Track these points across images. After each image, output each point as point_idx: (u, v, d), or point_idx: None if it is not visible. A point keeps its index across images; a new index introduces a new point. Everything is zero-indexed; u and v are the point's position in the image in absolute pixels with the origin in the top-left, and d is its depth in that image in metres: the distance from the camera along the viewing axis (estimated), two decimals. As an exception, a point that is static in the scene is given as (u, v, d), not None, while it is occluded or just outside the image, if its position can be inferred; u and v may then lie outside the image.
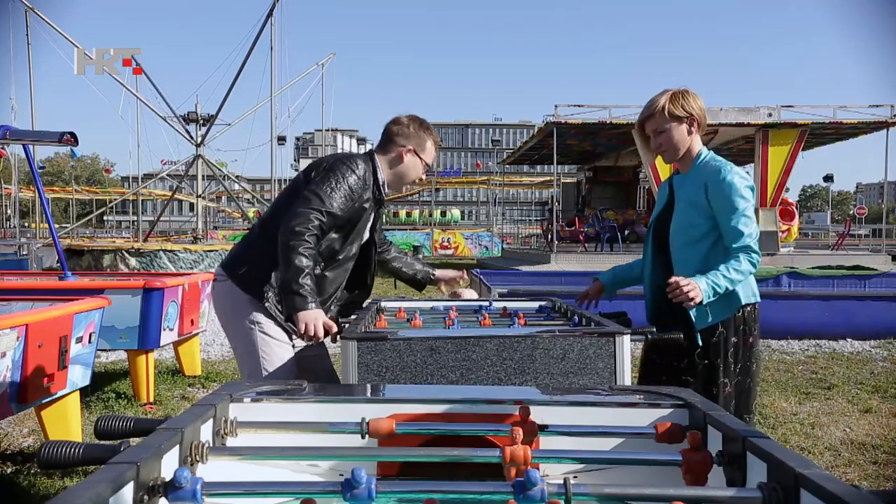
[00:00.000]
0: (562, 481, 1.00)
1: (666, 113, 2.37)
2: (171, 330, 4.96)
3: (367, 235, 2.58)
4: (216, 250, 15.01)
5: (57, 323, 3.26)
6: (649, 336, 2.23)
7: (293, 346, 2.49)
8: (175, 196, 25.56)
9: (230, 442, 1.32)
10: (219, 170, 24.25)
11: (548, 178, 37.23)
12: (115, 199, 36.65)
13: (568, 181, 25.84)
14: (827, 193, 59.73)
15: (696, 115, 2.38)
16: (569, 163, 26.30)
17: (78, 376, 3.51)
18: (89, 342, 3.59)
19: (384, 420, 1.32)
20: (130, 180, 35.60)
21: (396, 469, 1.39)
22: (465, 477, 1.19)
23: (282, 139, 29.02)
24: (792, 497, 0.95)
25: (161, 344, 4.82)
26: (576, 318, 2.54)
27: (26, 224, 36.98)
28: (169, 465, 1.06)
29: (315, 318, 2.21)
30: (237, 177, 29.38)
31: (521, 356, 1.96)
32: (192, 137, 21.08)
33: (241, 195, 31.84)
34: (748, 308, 2.36)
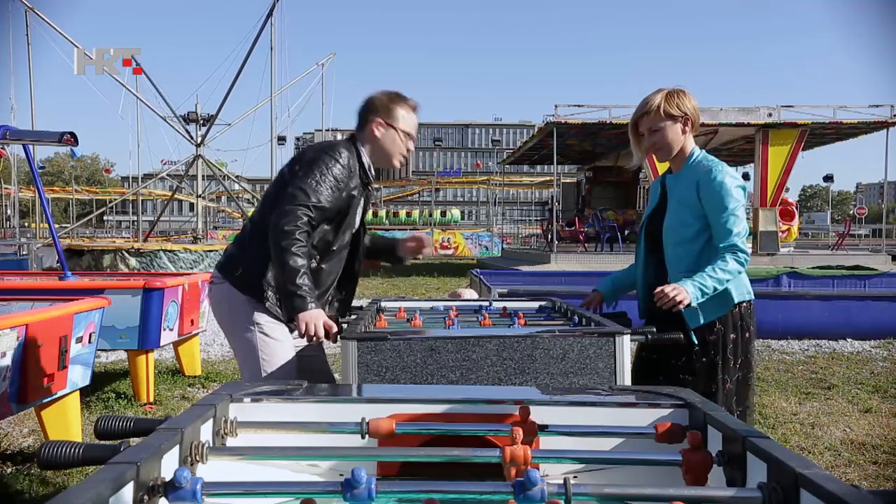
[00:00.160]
0: (562, 481, 1.00)
1: (661, 111, 2.38)
2: (171, 330, 4.96)
3: (357, 223, 2.55)
4: (216, 250, 15.03)
5: (57, 323, 3.26)
6: (649, 336, 2.23)
7: (294, 345, 2.48)
8: (175, 196, 25.57)
9: (230, 442, 1.32)
10: (219, 170, 24.27)
11: (548, 178, 37.23)
12: (115, 199, 36.67)
13: (568, 181, 25.82)
14: (827, 193, 59.74)
15: (691, 115, 2.40)
16: (569, 163, 26.28)
17: (78, 376, 3.51)
18: (89, 342, 3.59)
19: (384, 420, 1.32)
20: (130, 180, 35.62)
21: (396, 469, 1.39)
22: (465, 477, 1.19)
23: (282, 139, 29.05)
24: (792, 497, 0.95)
25: (161, 344, 4.82)
26: (576, 318, 2.54)
27: (26, 224, 36.99)
28: (169, 465, 1.06)
29: (315, 318, 2.20)
30: (237, 177, 29.41)
31: (521, 356, 1.96)
32: (192, 137, 21.09)
33: (241, 195, 31.83)
34: (743, 305, 2.38)
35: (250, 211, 25.98)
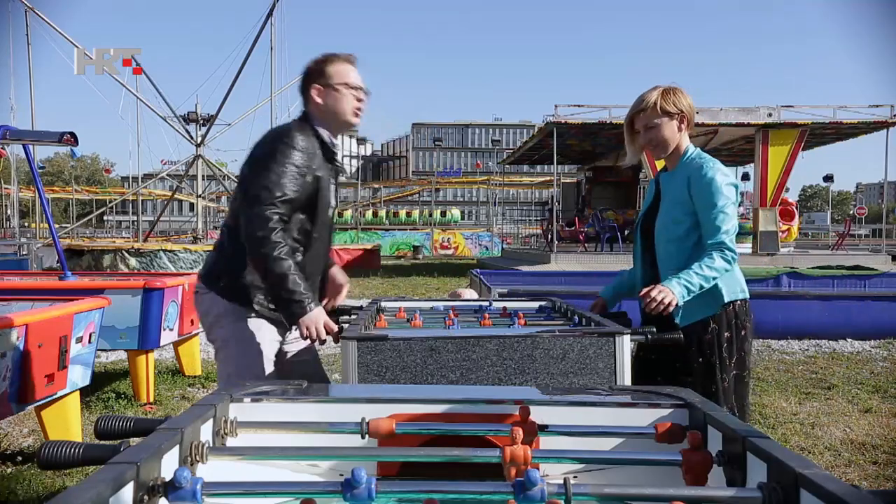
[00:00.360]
0: (562, 481, 1.00)
1: (658, 108, 2.38)
2: (171, 330, 4.96)
3: (333, 200, 2.45)
4: (216, 250, 14.98)
5: (57, 323, 3.26)
6: (649, 336, 2.23)
7: (279, 351, 2.42)
8: (175, 196, 25.58)
9: (230, 442, 1.32)
10: (219, 170, 24.28)
11: (548, 178, 37.24)
12: (115, 199, 36.68)
13: (568, 181, 25.82)
14: (827, 193, 59.73)
15: (686, 112, 2.41)
16: (569, 163, 26.27)
17: (78, 376, 3.52)
18: (89, 342, 3.59)
19: (384, 420, 1.32)
20: (130, 180, 35.63)
21: (396, 469, 1.39)
22: (465, 477, 1.19)
23: (282, 139, 28.95)
24: (792, 497, 0.95)
25: (161, 344, 4.83)
26: (576, 318, 2.54)
27: (26, 224, 36.99)
28: (169, 465, 1.06)
29: (316, 320, 2.18)
30: (237, 177, 29.40)
31: (521, 356, 1.96)
32: (192, 137, 21.10)
33: (241, 195, 31.74)
34: (737, 303, 2.37)
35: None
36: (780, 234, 16.46)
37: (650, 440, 1.33)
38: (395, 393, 1.54)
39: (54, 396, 3.36)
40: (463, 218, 49.75)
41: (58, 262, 5.41)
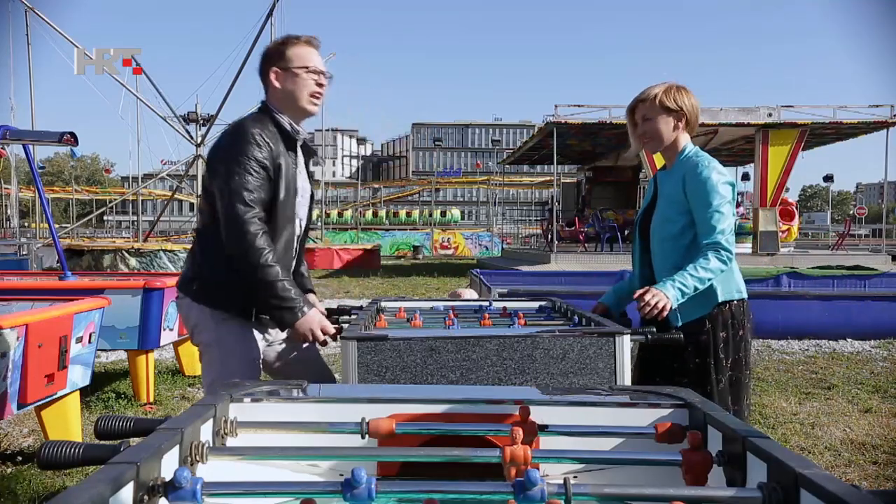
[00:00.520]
0: (562, 481, 1.00)
1: (657, 102, 2.37)
2: (172, 330, 4.96)
3: (303, 183, 2.36)
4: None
5: (57, 323, 3.26)
6: (649, 336, 2.23)
7: (266, 351, 2.38)
8: (175, 196, 25.57)
9: (230, 442, 1.32)
10: (219, 170, 24.15)
11: (548, 178, 37.26)
12: (115, 199, 36.67)
13: (568, 181, 25.82)
14: (827, 193, 59.71)
15: (687, 111, 2.39)
16: (569, 163, 26.27)
17: (78, 376, 3.52)
18: (89, 342, 3.59)
19: (384, 420, 1.32)
20: (130, 180, 35.62)
21: (396, 469, 1.39)
22: (465, 477, 1.19)
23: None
24: (792, 497, 0.95)
25: (161, 344, 4.83)
26: (576, 318, 2.54)
27: (26, 224, 36.98)
28: (169, 465, 1.06)
29: (310, 324, 2.17)
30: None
31: (521, 356, 1.96)
32: (192, 137, 21.09)
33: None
34: (734, 304, 2.35)
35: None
36: (780, 234, 16.46)
37: (650, 440, 1.33)
38: (395, 393, 1.54)
39: (54, 396, 3.36)
40: (463, 218, 49.76)
41: (58, 262, 5.42)
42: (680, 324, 2.32)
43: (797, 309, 7.79)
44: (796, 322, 7.70)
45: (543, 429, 1.33)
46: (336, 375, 2.71)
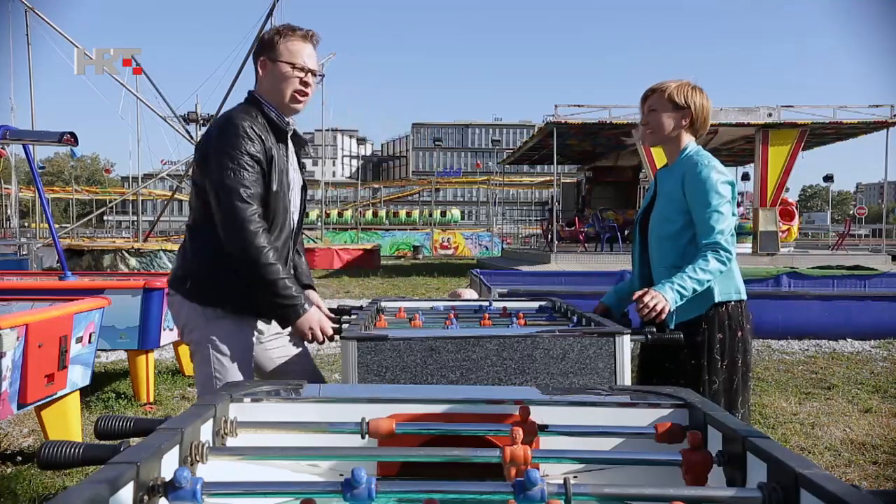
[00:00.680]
0: (562, 481, 1.00)
1: (666, 95, 2.36)
2: (172, 330, 4.95)
3: (294, 175, 2.33)
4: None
5: (57, 323, 3.26)
6: (649, 336, 2.22)
7: (259, 349, 2.35)
8: (175, 196, 25.56)
9: (230, 442, 1.32)
10: (219, 170, 24.20)
11: (548, 178, 37.26)
12: (115, 199, 36.68)
13: (568, 181, 25.82)
14: (827, 193, 59.71)
15: (694, 111, 2.37)
16: (569, 163, 26.27)
17: (78, 376, 3.51)
18: (89, 342, 3.59)
19: (384, 420, 1.32)
20: (130, 180, 35.62)
21: (396, 469, 1.39)
22: (465, 477, 1.19)
23: (282, 139, 28.97)
24: (792, 497, 0.95)
25: (161, 344, 4.83)
26: (576, 318, 2.54)
27: (26, 224, 37.00)
28: (169, 465, 1.06)
29: (310, 322, 2.16)
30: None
31: (521, 356, 1.96)
32: (192, 137, 21.10)
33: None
34: (731, 305, 2.33)
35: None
36: (780, 234, 16.46)
37: (650, 440, 1.33)
38: (395, 393, 1.54)
39: (54, 396, 3.36)
40: (463, 218, 49.77)
41: (58, 262, 5.42)
42: (673, 325, 2.30)
43: (797, 309, 7.79)
44: (796, 322, 7.70)
45: (543, 429, 1.33)
46: (336, 375, 2.71)
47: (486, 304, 3.00)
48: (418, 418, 1.38)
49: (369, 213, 39.98)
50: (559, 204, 20.91)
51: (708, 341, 2.30)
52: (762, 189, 15.78)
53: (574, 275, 10.15)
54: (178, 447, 1.10)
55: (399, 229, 35.65)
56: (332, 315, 2.42)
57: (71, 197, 39.59)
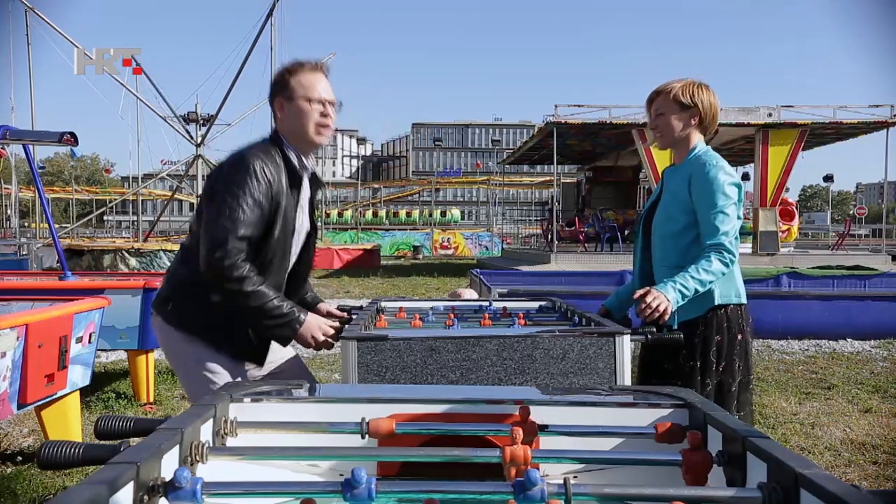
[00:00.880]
0: (562, 481, 1.00)
1: (671, 96, 2.34)
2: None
3: (303, 220, 2.28)
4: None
5: (57, 323, 3.26)
6: (649, 336, 2.22)
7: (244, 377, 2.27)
8: (175, 196, 25.59)
9: (230, 442, 1.32)
10: (219, 170, 24.24)
11: (548, 178, 37.26)
12: (115, 199, 36.67)
13: (568, 181, 25.83)
14: (827, 193, 59.70)
15: (702, 109, 2.35)
16: (569, 163, 26.28)
17: (78, 376, 3.51)
18: (89, 342, 3.59)
19: (384, 420, 1.32)
20: (130, 180, 35.62)
21: (396, 469, 1.39)
22: (465, 477, 1.19)
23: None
24: (792, 497, 0.95)
25: (161, 344, 4.82)
26: (576, 318, 2.54)
27: (26, 224, 37.00)
28: (169, 465, 1.06)
29: (311, 331, 2.12)
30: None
31: (521, 356, 1.96)
32: (192, 137, 21.10)
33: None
34: (730, 308, 2.32)
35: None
36: (780, 234, 16.47)
37: (650, 440, 1.33)
38: (395, 393, 1.54)
39: (54, 396, 3.36)
40: (463, 218, 49.78)
41: (58, 262, 5.42)
42: (677, 323, 2.29)
43: (797, 309, 7.80)
44: (796, 322, 7.70)
45: (543, 429, 1.33)
46: (336, 375, 2.71)
47: (486, 304, 3.00)
48: (418, 418, 1.38)
49: (369, 213, 39.99)
50: (559, 204, 20.92)
51: (703, 343, 2.29)
52: (762, 189, 15.79)
53: (574, 275, 10.16)
54: (178, 447, 1.10)
55: (399, 229, 35.66)
56: (339, 313, 2.41)
57: (71, 197, 39.60)
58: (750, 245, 15.77)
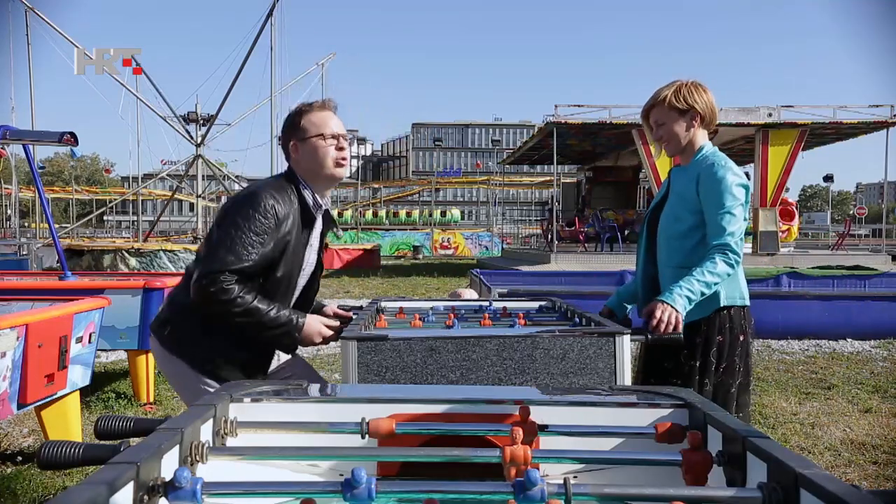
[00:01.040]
0: (562, 481, 1.00)
1: (666, 104, 2.34)
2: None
3: (311, 257, 2.29)
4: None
5: (57, 323, 3.26)
6: (649, 336, 2.22)
7: None
8: (175, 196, 25.61)
9: (230, 442, 1.32)
10: (219, 170, 24.31)
11: (548, 178, 37.27)
12: (115, 199, 36.69)
13: (568, 181, 25.83)
14: (827, 193, 59.71)
15: (700, 109, 2.34)
16: (569, 163, 26.28)
17: (78, 376, 3.51)
18: (89, 342, 3.59)
19: (384, 420, 1.32)
20: (130, 180, 35.64)
21: (396, 469, 1.39)
22: (465, 477, 1.18)
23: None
24: (792, 497, 0.95)
25: (161, 344, 4.82)
26: (576, 318, 2.54)
27: (26, 224, 37.03)
28: (169, 465, 1.06)
29: (313, 333, 2.15)
30: (237, 177, 29.39)
31: (521, 356, 1.96)
32: (192, 137, 21.14)
33: (241, 195, 31.77)
34: (734, 308, 2.31)
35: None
36: (780, 234, 16.47)
37: (650, 440, 1.33)
38: (395, 393, 1.54)
39: (54, 396, 3.36)
40: (463, 218, 49.78)
41: (58, 262, 5.42)
42: (685, 321, 2.29)
43: (797, 309, 7.80)
44: (796, 322, 7.70)
45: (543, 429, 1.33)
46: (336, 375, 2.71)
47: (486, 304, 3.00)
48: (418, 418, 1.38)
49: (369, 213, 39.99)
50: (559, 204, 20.92)
51: (705, 343, 2.29)
52: (762, 189, 15.79)
53: (574, 275, 10.16)
54: (178, 447, 1.10)
55: (399, 229, 35.66)
56: (343, 312, 2.42)
57: (71, 197, 39.61)
58: (750, 245, 15.77)
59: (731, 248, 2.23)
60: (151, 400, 4.80)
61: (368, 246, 23.89)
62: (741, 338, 2.32)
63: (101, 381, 5.34)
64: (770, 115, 15.55)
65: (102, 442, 1.21)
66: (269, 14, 20.31)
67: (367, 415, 1.33)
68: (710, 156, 2.35)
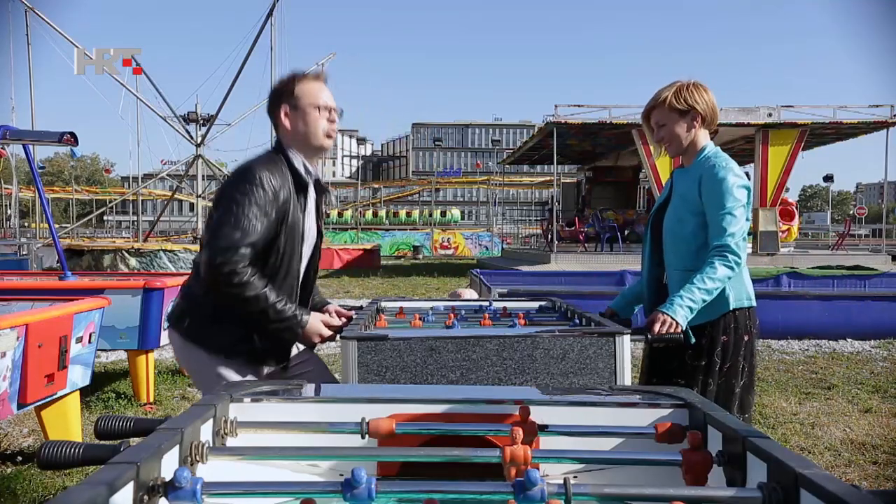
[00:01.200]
0: (562, 481, 1.00)
1: (667, 105, 2.34)
2: (171, 330, 4.95)
3: (310, 225, 2.28)
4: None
5: (57, 323, 3.26)
6: (649, 336, 2.22)
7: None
8: (175, 196, 25.60)
9: (230, 442, 1.32)
10: (219, 170, 24.30)
11: (548, 178, 37.27)
12: (115, 199, 36.70)
13: (568, 181, 25.82)
14: (827, 193, 59.71)
15: (700, 109, 2.33)
16: (569, 163, 26.28)
17: (78, 376, 3.51)
18: (89, 342, 3.59)
19: (384, 420, 1.32)
20: (130, 180, 35.62)
21: (396, 469, 1.39)
22: (465, 477, 1.18)
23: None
24: (792, 497, 0.95)
25: (161, 344, 4.82)
26: (576, 318, 2.54)
27: (26, 224, 37.01)
28: (169, 465, 1.06)
29: (314, 330, 2.17)
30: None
31: (521, 356, 1.96)
32: (192, 137, 21.14)
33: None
34: (738, 311, 2.31)
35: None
36: (780, 234, 16.47)
37: (650, 440, 1.33)
38: (395, 393, 1.53)
39: (54, 396, 3.36)
40: (463, 218, 49.78)
41: (58, 262, 5.42)
42: (692, 324, 2.28)
43: (797, 309, 7.80)
44: (796, 322, 7.70)
45: (543, 429, 1.33)
46: (336, 375, 2.71)
47: (486, 304, 3.00)
48: (418, 418, 1.38)
49: (369, 213, 39.99)
50: (559, 204, 20.91)
51: (710, 343, 2.29)
52: (762, 189, 15.79)
53: (574, 275, 10.16)
54: (178, 447, 1.10)
55: (399, 229, 35.66)
56: (346, 312, 2.43)
57: (71, 197, 39.61)
58: (750, 245, 15.77)
59: (730, 249, 2.23)
60: (151, 400, 4.80)
61: (368, 246, 23.89)
62: (746, 338, 2.32)
63: (101, 381, 5.34)
64: (770, 115, 15.55)
65: (102, 442, 1.21)
66: (269, 14, 20.33)
67: (367, 415, 1.33)
68: (712, 157, 2.35)
